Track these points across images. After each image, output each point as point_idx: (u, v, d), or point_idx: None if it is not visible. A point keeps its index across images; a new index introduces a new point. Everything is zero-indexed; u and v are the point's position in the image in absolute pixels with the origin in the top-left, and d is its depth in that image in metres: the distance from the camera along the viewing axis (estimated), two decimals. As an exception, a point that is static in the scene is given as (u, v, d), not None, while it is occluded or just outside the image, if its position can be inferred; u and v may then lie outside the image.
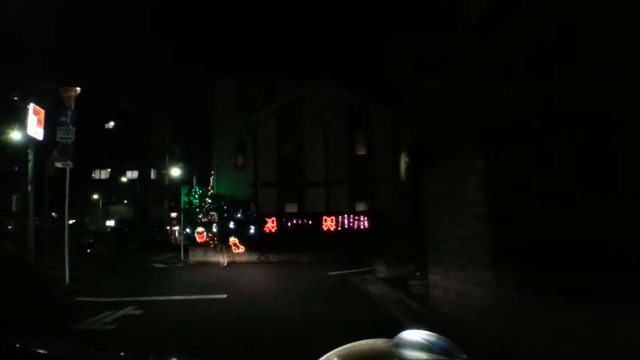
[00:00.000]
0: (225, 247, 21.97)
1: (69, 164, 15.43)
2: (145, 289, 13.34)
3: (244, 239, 24.64)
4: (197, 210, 26.61)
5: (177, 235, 50.35)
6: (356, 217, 26.03)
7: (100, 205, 69.98)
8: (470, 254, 7.51)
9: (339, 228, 25.37)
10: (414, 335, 1.41)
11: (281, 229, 24.59)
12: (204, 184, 35.04)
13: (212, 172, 32.21)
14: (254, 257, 24.00)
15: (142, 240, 42.64)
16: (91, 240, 33.74)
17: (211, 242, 25.08)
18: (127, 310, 9.88)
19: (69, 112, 15.19)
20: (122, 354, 1.68)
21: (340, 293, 12.40)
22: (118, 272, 18.88)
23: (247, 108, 28.90)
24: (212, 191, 29.62)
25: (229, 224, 25.01)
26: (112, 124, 75.65)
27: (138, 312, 9.82)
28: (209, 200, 27.28)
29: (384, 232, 24.50)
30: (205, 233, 25.32)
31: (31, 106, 15.65)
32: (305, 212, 26.75)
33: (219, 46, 78.26)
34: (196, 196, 27.39)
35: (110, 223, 66.60)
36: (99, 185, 71.48)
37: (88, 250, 20.94)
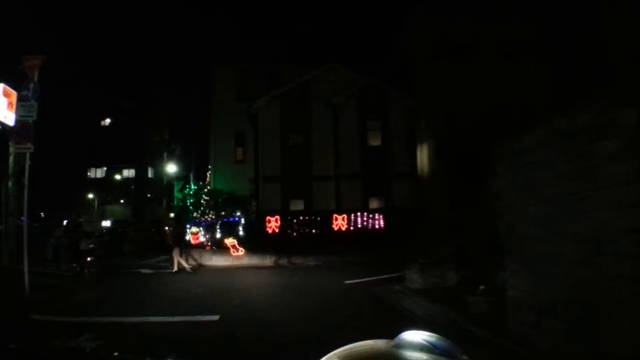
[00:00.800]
0: (181, 250, 19.24)
1: (29, 148, 12.55)
2: (117, 305, 10.59)
3: (244, 240, 21.81)
4: (192, 208, 23.78)
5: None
6: (370, 215, 23.16)
7: (96, 205, 67.43)
8: (607, 264, 4.64)
9: (351, 227, 22.50)
10: (415, 335, 1.38)
11: (286, 228, 21.72)
12: (202, 181, 32.13)
13: (210, 166, 29.32)
14: (255, 261, 21.12)
15: (137, 242, 39.66)
16: (92, 246, 30.26)
17: (208, 244, 22.23)
18: (81, 341, 7.10)
19: (31, 85, 12.35)
20: (115, 354, 1.93)
21: (369, 312, 9.44)
22: (96, 279, 16.01)
23: (248, 97, 25.99)
24: (209, 187, 26.76)
25: (185, 221, 22.14)
26: (108, 121, 73.02)
27: (93, 343, 7.01)
28: (207, 198, 24.45)
29: (408, 231, 21.69)
30: (200, 234, 22.44)
31: (0, 86, 12.88)
32: (313, 209, 23.85)
33: (218, 30, 74.95)
34: (191, 192, 24.57)
35: (107, 223, 64.12)
36: (95, 184, 68.93)
37: (89, 259, 18.10)
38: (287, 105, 25.12)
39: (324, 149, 24.72)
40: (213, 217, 23.29)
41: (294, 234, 21.76)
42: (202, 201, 23.94)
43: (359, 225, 22.60)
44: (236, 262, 21.00)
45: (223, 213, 23.19)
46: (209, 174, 29.51)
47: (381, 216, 23.20)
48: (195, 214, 23.75)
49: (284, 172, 24.49)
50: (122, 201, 68.28)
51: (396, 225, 22.74)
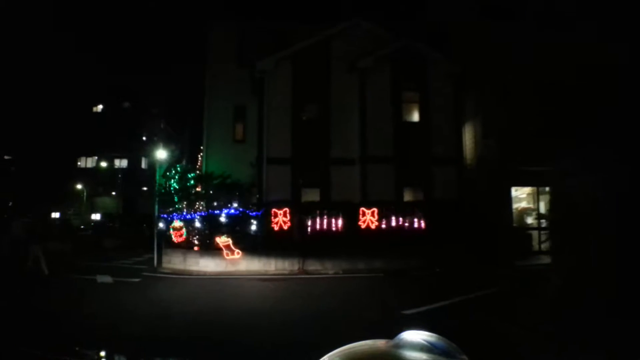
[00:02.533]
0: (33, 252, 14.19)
1: None
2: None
3: (242, 238, 16.44)
4: (177, 196, 18.37)
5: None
6: (406, 210, 17.77)
7: (85, 197, 62.33)
8: None
9: (383, 225, 17.08)
10: (414, 335, 1.36)
11: (297, 225, 16.32)
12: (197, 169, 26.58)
13: (202, 147, 23.87)
14: (255, 267, 15.77)
15: (123, 238, 34.12)
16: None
17: (197, 243, 16.91)
18: None
19: None
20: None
21: None
22: (22, 292, 10.70)
23: (251, 63, 20.60)
24: (199, 172, 21.34)
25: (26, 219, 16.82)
26: (100, 107, 67.76)
27: None
28: (196, 184, 19.05)
29: (453, 230, 16.43)
30: (184, 229, 17.03)
31: None
32: (332, 201, 18.44)
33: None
34: (175, 177, 19.16)
35: (97, 217, 58.95)
36: (85, 174, 63.78)
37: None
38: (300, 69, 19.66)
39: (347, 125, 19.29)
40: (203, 208, 17.91)
41: (308, 231, 16.33)
42: (189, 188, 18.50)
43: (393, 223, 17.18)
44: (231, 268, 15.72)
45: (216, 204, 17.80)
46: (201, 157, 24.08)
47: (419, 211, 17.83)
48: (181, 205, 18.35)
49: (295, 153, 19.05)
50: (113, 193, 63.09)
51: (438, 222, 17.38)
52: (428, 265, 15.29)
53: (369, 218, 16.95)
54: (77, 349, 3.66)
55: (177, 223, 17.01)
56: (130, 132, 60.82)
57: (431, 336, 1.37)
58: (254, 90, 21.22)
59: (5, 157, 62.64)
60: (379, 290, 11.66)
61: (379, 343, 1.40)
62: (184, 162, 28.94)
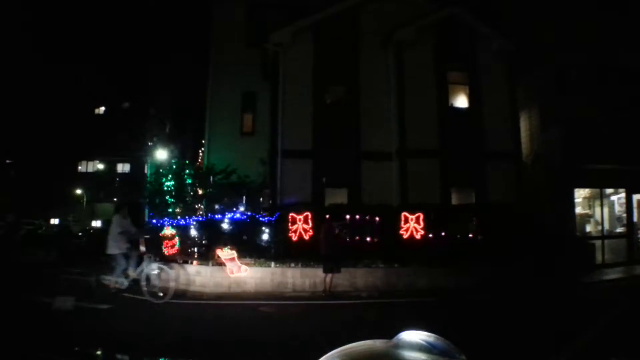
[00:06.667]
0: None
1: None
2: None
3: (250, 251, 12.76)
4: (169, 197, 14.72)
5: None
6: (458, 216, 14.04)
7: (85, 203, 59.15)
8: None
9: (430, 234, 13.30)
10: (413, 336, 1.36)
11: (323, 234, 12.55)
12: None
13: (203, 141, 20.23)
14: (267, 287, 12.04)
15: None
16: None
17: (194, 255, 13.28)
18: None
19: None
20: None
21: None
22: None
23: (260, 43, 17.06)
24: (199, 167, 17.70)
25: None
26: (102, 109, 64.56)
27: None
28: (194, 184, 15.41)
29: (513, 240, 12.80)
30: (177, 238, 13.32)
31: None
32: (363, 203, 14.71)
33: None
34: (169, 176, 15.47)
35: (97, 223, 55.61)
36: (85, 179, 60.55)
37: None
38: (323, 42, 16.05)
39: (380, 111, 15.67)
40: (202, 212, 14.29)
41: (335, 242, 12.55)
42: (186, 187, 14.85)
43: (442, 232, 13.41)
44: (235, 289, 12.07)
45: (217, 207, 14.17)
46: (202, 152, 20.45)
47: (473, 216, 14.12)
48: (175, 208, 14.73)
49: (317, 145, 15.38)
50: (115, 199, 59.70)
51: (494, 230, 13.64)
52: (486, 284, 11.60)
53: (412, 225, 13.19)
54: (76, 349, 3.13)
55: (168, 230, 13.30)
56: (133, 134, 57.43)
57: (430, 336, 1.36)
58: (265, 75, 17.71)
59: (7, 161, 59.53)
60: (439, 324, 8.02)
61: (378, 343, 1.38)
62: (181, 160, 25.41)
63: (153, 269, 10.86)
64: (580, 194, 18.48)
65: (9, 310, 8.47)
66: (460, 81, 16.41)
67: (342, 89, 16.23)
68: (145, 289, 10.75)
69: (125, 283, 10.71)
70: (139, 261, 10.85)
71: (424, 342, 1.32)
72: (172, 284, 12.05)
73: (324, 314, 9.91)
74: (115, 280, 10.63)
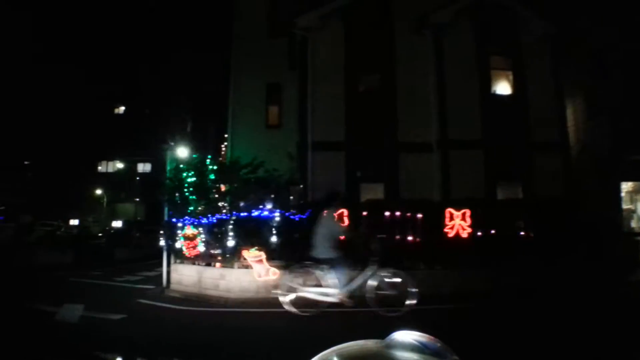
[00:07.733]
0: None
1: None
2: None
3: (280, 252, 11.65)
4: (188, 193, 13.65)
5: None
6: (507, 211, 12.76)
7: (105, 203, 58.76)
8: None
9: (479, 232, 12.03)
10: (406, 336, 1.35)
11: (361, 232, 11.34)
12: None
13: (226, 135, 19.19)
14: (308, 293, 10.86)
15: (140, 247, 29.95)
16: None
17: (218, 257, 12.20)
18: None
19: None
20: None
21: None
22: None
23: (287, 30, 16.00)
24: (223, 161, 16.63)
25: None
26: (122, 108, 64.07)
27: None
28: (217, 180, 14.31)
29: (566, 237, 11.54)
30: (198, 239, 12.24)
31: None
32: (401, 199, 13.51)
33: None
34: (190, 172, 14.34)
35: (118, 224, 55.12)
36: (105, 179, 60.14)
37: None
38: (354, 27, 14.89)
39: (418, 99, 14.45)
40: (226, 210, 13.20)
41: (376, 241, 11.31)
42: (209, 182, 13.76)
43: (491, 230, 12.13)
44: (264, 294, 10.93)
45: (243, 204, 13.07)
46: (224, 147, 19.42)
47: (522, 212, 12.83)
48: (197, 206, 13.66)
49: (350, 137, 14.22)
50: (136, 200, 59.09)
51: (543, 227, 12.32)
52: (539, 285, 10.37)
53: (458, 223, 11.95)
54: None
55: (189, 230, 12.23)
56: (154, 133, 56.83)
57: (422, 336, 1.34)
58: (291, 65, 16.66)
59: (25, 163, 59.37)
60: (501, 335, 6.67)
61: (370, 343, 1.37)
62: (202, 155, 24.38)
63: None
64: (623, 188, 17.27)
65: (3, 325, 7.35)
66: (503, 67, 15.17)
67: (376, 76, 15.07)
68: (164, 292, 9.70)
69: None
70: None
71: (416, 343, 1.31)
72: (193, 288, 10.96)
73: (365, 322, 8.70)
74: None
